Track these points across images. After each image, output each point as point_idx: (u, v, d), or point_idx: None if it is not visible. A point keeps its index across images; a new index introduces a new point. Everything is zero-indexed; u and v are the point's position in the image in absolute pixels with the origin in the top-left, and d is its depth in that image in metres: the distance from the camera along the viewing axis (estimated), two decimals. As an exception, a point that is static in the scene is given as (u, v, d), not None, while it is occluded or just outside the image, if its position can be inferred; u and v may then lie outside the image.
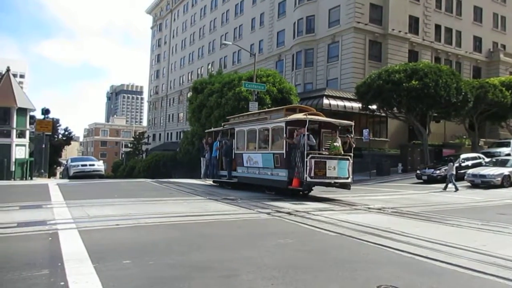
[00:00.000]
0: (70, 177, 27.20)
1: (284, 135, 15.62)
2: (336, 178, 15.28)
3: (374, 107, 31.15)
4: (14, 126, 22.38)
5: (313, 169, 14.64)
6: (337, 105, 35.57)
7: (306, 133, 14.66)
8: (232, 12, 63.20)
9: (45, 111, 27.05)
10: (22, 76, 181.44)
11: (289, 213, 11.14)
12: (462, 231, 9.21)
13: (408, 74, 27.91)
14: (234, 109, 30.04)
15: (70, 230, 8.06)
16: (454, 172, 21.43)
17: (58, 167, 58.11)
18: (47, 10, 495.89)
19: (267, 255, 6.61)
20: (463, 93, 28.77)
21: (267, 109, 22.07)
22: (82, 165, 28.46)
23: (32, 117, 27.90)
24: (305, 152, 14.52)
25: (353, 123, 16.55)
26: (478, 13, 50.12)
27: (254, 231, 8.82)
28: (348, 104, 35.92)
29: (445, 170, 24.50)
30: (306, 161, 14.47)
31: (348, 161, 15.63)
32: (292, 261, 6.30)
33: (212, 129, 23.12)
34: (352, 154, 16.00)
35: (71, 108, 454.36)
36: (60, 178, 37.68)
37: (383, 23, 41.02)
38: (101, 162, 31.36)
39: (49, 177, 29.49)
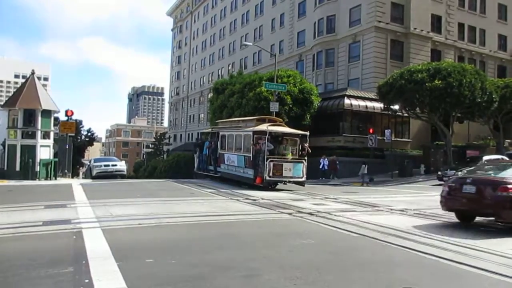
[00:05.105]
0: (93, 177, 27.62)
1: (251, 142, 19.22)
2: (291, 177, 19.13)
3: (396, 107, 30.72)
4: (39, 127, 22.85)
5: (271, 170, 18.44)
6: (359, 105, 35.22)
7: (266, 142, 18.45)
8: (252, 13, 63.19)
9: (69, 113, 27.49)
10: (46, 79, 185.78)
11: (310, 214, 11.09)
12: (487, 234, 9.02)
13: (431, 74, 27.41)
14: (255, 109, 30.07)
15: (94, 229, 8.19)
16: (366, 172, 26.38)
17: (81, 168, 59.00)
18: (45, 11, 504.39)
19: (289, 255, 6.60)
20: (488, 93, 28.15)
21: (243, 118, 25.23)
22: (105, 166, 28.89)
23: (56, 119, 28.34)
24: (265, 157, 18.28)
25: (308, 133, 20.20)
26: (502, 11, 48.92)
27: (276, 231, 8.80)
28: (369, 104, 35.51)
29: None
30: (266, 164, 18.23)
31: (302, 164, 19.35)
32: (314, 261, 6.26)
33: (205, 130, 27.56)
34: (306, 158, 19.85)
35: (89, 109, 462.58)
36: (83, 178, 38.25)
37: (404, 22, 40.39)
38: (123, 163, 31.77)
39: (72, 177, 29.96)
